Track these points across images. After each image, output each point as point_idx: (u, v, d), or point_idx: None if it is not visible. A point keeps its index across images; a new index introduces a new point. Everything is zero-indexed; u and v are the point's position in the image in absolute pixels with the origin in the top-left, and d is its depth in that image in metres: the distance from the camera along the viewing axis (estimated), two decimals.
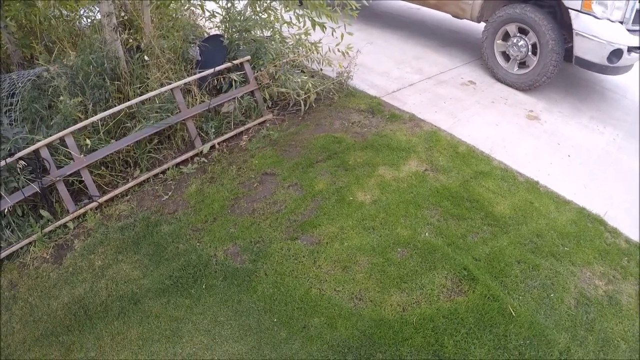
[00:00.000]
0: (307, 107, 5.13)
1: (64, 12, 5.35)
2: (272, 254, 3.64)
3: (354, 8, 5.25)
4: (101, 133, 4.40)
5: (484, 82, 5.87)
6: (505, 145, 4.71)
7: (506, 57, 5.86)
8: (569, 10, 5.11)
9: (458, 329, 3.12)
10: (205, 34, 5.74)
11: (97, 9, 5.07)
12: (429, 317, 3.18)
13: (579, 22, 5.09)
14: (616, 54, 5.01)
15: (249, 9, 5.48)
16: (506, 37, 5.77)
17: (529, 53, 5.56)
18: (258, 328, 3.20)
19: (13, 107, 4.34)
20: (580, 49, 5.16)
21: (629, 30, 5.06)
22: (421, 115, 5.05)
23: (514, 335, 3.09)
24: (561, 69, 5.63)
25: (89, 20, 5.40)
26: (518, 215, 3.91)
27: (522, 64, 5.73)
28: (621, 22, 5.00)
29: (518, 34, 5.62)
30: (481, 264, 3.50)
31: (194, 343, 3.18)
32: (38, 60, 4.75)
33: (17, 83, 4.43)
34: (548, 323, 3.17)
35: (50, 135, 4.09)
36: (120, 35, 4.69)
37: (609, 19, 4.97)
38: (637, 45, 5.13)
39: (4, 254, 3.87)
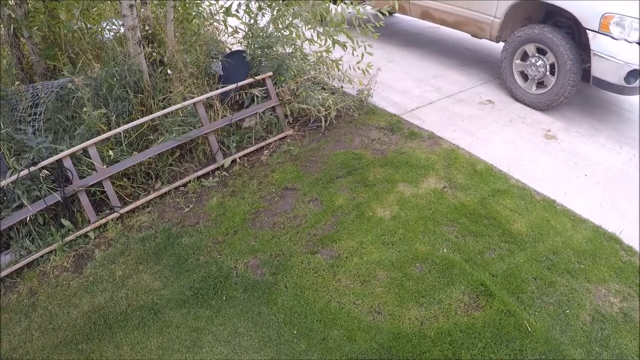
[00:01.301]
0: (327, 124, 5.19)
1: (88, 25, 5.44)
2: (292, 267, 3.68)
3: (377, 26, 5.30)
4: (124, 145, 4.47)
5: (502, 101, 5.90)
6: (523, 163, 4.73)
7: (524, 76, 5.88)
8: (587, 30, 5.14)
9: (475, 343, 3.13)
10: (228, 50, 5.81)
11: (121, 22, 5.17)
12: (447, 331, 3.20)
13: (596, 42, 5.11)
14: (633, 74, 5.02)
15: (271, 26, 5.56)
16: (524, 57, 5.81)
17: (547, 73, 5.58)
18: (278, 339, 3.23)
19: (37, 117, 4.42)
20: (598, 69, 5.18)
21: None
22: (440, 133, 5.09)
23: (529, 350, 3.10)
24: (579, 89, 5.65)
25: (112, 34, 5.48)
26: (535, 233, 3.93)
27: (540, 84, 5.75)
28: (638, 43, 5.02)
29: (536, 54, 5.65)
30: (498, 279, 3.52)
31: (214, 353, 3.20)
32: (62, 71, 4.83)
33: (41, 93, 4.52)
34: (563, 339, 3.17)
35: (74, 146, 4.17)
36: (143, 49, 4.77)
37: (626, 40, 4.99)
38: None
39: (24, 262, 3.93)
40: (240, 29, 5.81)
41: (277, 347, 3.19)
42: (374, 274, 3.59)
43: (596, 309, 3.39)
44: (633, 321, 3.34)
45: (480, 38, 6.43)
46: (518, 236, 3.89)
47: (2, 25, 4.96)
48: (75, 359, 3.30)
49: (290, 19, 5.55)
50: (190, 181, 4.54)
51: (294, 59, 5.49)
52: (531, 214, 4.12)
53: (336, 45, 5.37)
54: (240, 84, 4.99)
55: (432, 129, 5.19)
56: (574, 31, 5.50)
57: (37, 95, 4.52)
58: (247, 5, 5.54)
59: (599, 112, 5.89)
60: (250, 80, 5.03)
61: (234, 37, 5.98)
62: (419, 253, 3.72)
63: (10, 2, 4.76)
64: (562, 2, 5.26)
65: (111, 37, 5.41)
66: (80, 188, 4.11)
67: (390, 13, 8.35)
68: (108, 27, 5.55)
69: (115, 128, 4.38)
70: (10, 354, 3.40)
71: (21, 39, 5.05)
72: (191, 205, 4.36)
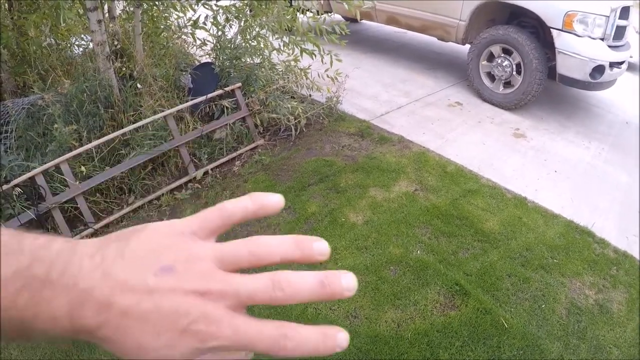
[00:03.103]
0: (297, 132, 5.22)
1: (57, 41, 5.41)
2: None
3: (343, 34, 5.35)
4: (96, 160, 4.44)
5: (471, 102, 5.99)
6: (493, 163, 4.81)
7: (491, 77, 5.98)
8: (551, 29, 5.25)
9: (452, 342, 3.16)
10: (197, 62, 5.82)
11: (89, 38, 5.15)
12: (424, 331, 3.22)
13: (561, 40, 5.22)
14: (598, 70, 5.15)
15: (239, 37, 5.58)
16: (491, 58, 5.91)
17: (514, 73, 5.69)
18: None
19: (8, 134, 4.38)
20: (563, 66, 5.29)
21: (610, 46, 5.20)
22: (410, 137, 5.15)
23: (507, 346, 3.13)
24: (546, 87, 5.76)
25: (81, 49, 5.46)
26: (507, 231, 3.99)
27: (507, 84, 5.85)
28: (602, 39, 5.14)
29: (502, 55, 5.76)
30: (473, 278, 3.56)
31: None
32: (32, 88, 4.79)
33: (12, 111, 4.48)
34: (540, 333, 3.22)
35: (46, 163, 4.13)
36: (113, 64, 4.75)
37: (590, 37, 5.11)
38: (619, 60, 5.27)
39: None
40: (208, 41, 5.83)
41: (255, 356, 3.17)
42: None
43: (572, 302, 3.44)
44: (609, 312, 3.40)
45: (447, 41, 6.52)
46: (491, 235, 3.94)
47: None
48: None
49: (258, 29, 5.58)
50: (163, 194, 4.53)
51: (263, 69, 5.51)
52: (503, 212, 4.18)
53: (304, 54, 5.41)
54: (209, 95, 4.98)
55: (401, 133, 5.24)
56: (538, 30, 5.61)
57: (8, 112, 4.48)
58: (215, 18, 5.56)
59: (567, 109, 6.01)
60: (219, 91, 5.03)
61: (203, 50, 5.99)
62: (392, 256, 3.74)
63: None
64: (526, 2, 5.37)
65: (80, 53, 5.39)
66: (53, 205, 4.08)
67: (355, 20, 8.43)
68: (77, 43, 5.53)
69: (87, 144, 4.34)
70: None
71: None
72: (165, 219, 4.27)
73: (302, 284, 0.51)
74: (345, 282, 0.51)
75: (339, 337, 0.50)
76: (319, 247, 0.53)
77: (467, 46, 6.34)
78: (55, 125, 4.32)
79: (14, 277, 0.47)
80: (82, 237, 4.11)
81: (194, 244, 0.53)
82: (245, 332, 0.48)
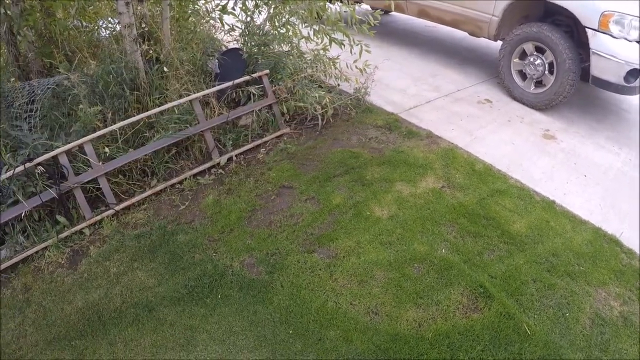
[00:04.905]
0: (324, 122, 5.17)
1: (83, 23, 5.40)
2: (288, 266, 3.64)
3: (372, 25, 5.27)
4: (120, 142, 4.44)
5: (501, 100, 5.87)
6: (522, 163, 4.71)
7: (523, 75, 5.86)
8: (586, 29, 5.11)
9: (473, 345, 3.10)
10: (224, 48, 5.78)
11: (116, 20, 5.13)
12: (445, 333, 3.17)
13: (596, 41, 5.08)
14: (633, 73, 5.00)
15: (267, 24, 5.52)
16: (523, 55, 5.78)
17: (546, 72, 5.56)
18: (273, 339, 3.20)
19: (33, 113, 4.38)
20: (597, 68, 5.15)
21: None
22: (438, 133, 5.07)
23: (528, 353, 3.07)
24: (578, 89, 5.62)
25: (108, 32, 5.44)
26: (534, 234, 3.90)
27: (539, 83, 5.72)
28: (638, 42, 4.99)
29: (535, 53, 5.63)
30: (497, 281, 3.49)
31: (208, 352, 3.17)
32: (58, 68, 4.78)
33: (37, 90, 4.48)
34: (563, 342, 3.14)
35: (69, 143, 4.13)
36: (140, 47, 4.73)
37: (626, 39, 4.96)
38: None
39: (19, 258, 3.89)
40: (236, 26, 5.77)
41: (273, 347, 3.15)
42: (372, 274, 3.55)
43: (596, 313, 3.36)
44: (633, 325, 3.31)
45: (478, 37, 6.40)
46: (517, 237, 3.86)
47: None
48: (69, 355, 3.25)
49: (287, 16, 5.52)
50: (186, 179, 4.51)
51: (291, 57, 5.46)
52: (530, 214, 4.09)
53: (333, 43, 5.33)
54: (236, 81, 4.95)
55: (430, 127, 5.16)
56: (572, 30, 5.47)
57: (33, 92, 4.48)
58: (244, 3, 5.50)
59: (598, 112, 5.87)
60: (247, 77, 5.00)
61: (231, 35, 5.94)
62: (417, 253, 3.69)
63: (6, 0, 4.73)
64: (562, 0, 5.23)
65: (107, 36, 5.37)
66: (75, 184, 4.08)
67: (387, 12, 8.33)
68: (104, 26, 5.51)
69: (111, 125, 4.34)
70: (3, 349, 3.36)
71: (17, 36, 5.00)
72: (187, 203, 4.32)
73: None
74: None
75: None
76: None
77: (499, 43, 6.22)
78: (80, 106, 4.32)
79: None
80: (103, 218, 4.10)
81: None
82: None
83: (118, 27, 5.09)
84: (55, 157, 4.03)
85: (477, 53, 7.24)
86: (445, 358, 3.04)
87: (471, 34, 6.47)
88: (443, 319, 3.25)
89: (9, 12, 4.71)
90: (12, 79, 4.87)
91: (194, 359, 3.14)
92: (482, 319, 3.24)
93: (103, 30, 5.52)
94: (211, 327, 3.31)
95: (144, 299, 3.54)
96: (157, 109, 4.51)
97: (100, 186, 4.21)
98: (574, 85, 5.36)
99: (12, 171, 3.89)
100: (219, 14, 5.73)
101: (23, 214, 3.95)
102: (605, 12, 4.94)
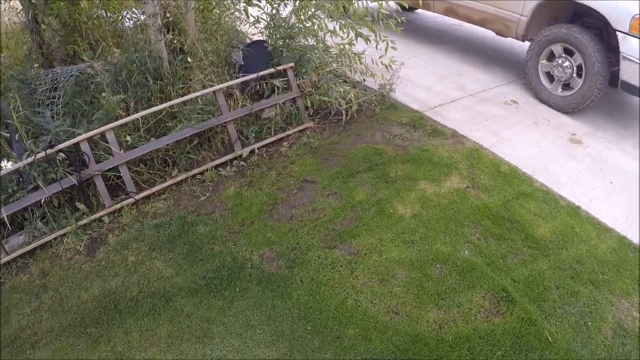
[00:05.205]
0: (348, 117, 5.12)
1: (108, 13, 5.41)
2: (308, 262, 3.61)
3: (398, 22, 5.21)
4: (142, 131, 4.42)
5: (527, 102, 5.78)
6: (548, 167, 4.63)
7: (550, 77, 5.76)
8: (617, 32, 5.01)
9: (494, 351, 3.05)
10: (248, 40, 5.75)
11: (140, 10, 5.13)
12: (465, 336, 3.12)
13: (626, 45, 4.97)
14: None
15: (293, 17, 5.48)
16: (551, 57, 5.68)
17: (574, 75, 5.46)
18: (291, 335, 3.17)
19: (56, 100, 4.39)
20: (627, 72, 5.04)
21: None
22: (463, 132, 5.01)
23: None
24: (605, 93, 5.51)
25: (131, 22, 5.44)
26: (559, 240, 3.84)
27: (566, 86, 5.63)
28: None
29: (563, 55, 5.53)
30: (520, 286, 3.43)
31: (224, 345, 3.14)
32: (81, 57, 4.80)
33: (60, 78, 4.49)
34: (584, 352, 3.08)
35: (91, 130, 4.13)
36: (164, 36, 4.71)
37: None
38: None
39: (37, 243, 3.90)
40: (261, 18, 5.74)
41: (290, 343, 3.12)
42: (393, 272, 3.51)
43: (618, 323, 3.29)
44: None
45: (506, 36, 6.31)
46: (541, 242, 3.80)
47: (23, 11, 4.95)
48: (83, 342, 3.25)
49: (313, 10, 5.47)
50: (207, 170, 4.49)
51: (316, 51, 5.42)
52: (555, 219, 4.02)
53: (359, 38, 5.28)
54: (261, 73, 4.92)
55: (455, 127, 5.10)
56: (602, 33, 5.36)
57: (56, 79, 4.50)
58: None
59: (626, 119, 5.75)
60: (271, 70, 4.97)
61: (255, 27, 5.90)
62: (439, 254, 3.64)
63: None
64: (592, 2, 5.12)
65: (131, 26, 5.36)
66: (96, 172, 4.07)
67: (413, 9, 8.25)
68: (128, 16, 5.50)
69: (134, 114, 4.34)
70: (18, 334, 3.36)
71: (41, 25, 5.02)
72: (207, 194, 4.29)
73: None
74: None
75: None
76: None
77: (524, 44, 6.13)
78: (103, 94, 4.31)
79: None
80: (122, 207, 4.09)
81: None
82: None
83: (142, 17, 5.07)
84: (76, 144, 4.02)
85: (503, 53, 7.15)
86: None
87: (498, 33, 6.38)
88: (464, 321, 3.21)
89: (33, 0, 4.72)
90: (36, 65, 4.89)
91: (210, 352, 3.11)
92: (503, 323, 3.19)
93: (127, 20, 5.51)
94: (228, 320, 3.29)
95: (161, 289, 3.53)
96: (180, 99, 4.49)
97: (121, 174, 4.20)
98: (602, 89, 5.26)
99: (33, 157, 3.89)
100: (244, 6, 5.70)
101: (43, 200, 3.94)
102: (637, 16, 4.83)
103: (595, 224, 4.05)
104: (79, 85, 4.57)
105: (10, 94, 4.41)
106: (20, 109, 4.24)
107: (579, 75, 5.40)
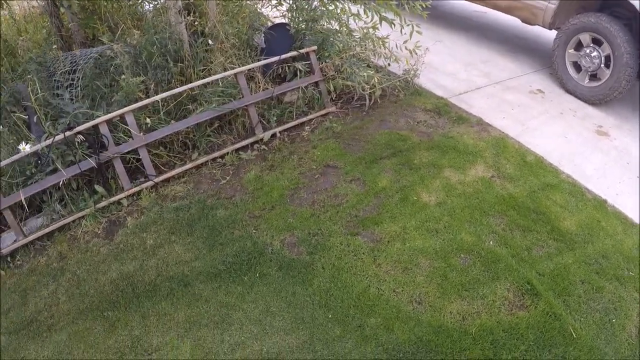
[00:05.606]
0: (371, 102, 5.04)
1: None
2: (330, 248, 3.56)
3: (423, 7, 5.11)
4: (161, 113, 4.39)
5: (553, 92, 5.66)
6: (574, 158, 4.54)
7: (577, 67, 5.63)
8: None
9: (517, 345, 2.99)
10: (270, 23, 5.68)
11: None
12: (489, 329, 3.07)
13: None
14: None
15: (316, 0, 5.40)
16: (579, 46, 5.55)
17: (602, 65, 5.33)
18: (311, 322, 3.13)
19: (74, 82, 4.38)
20: None
21: None
22: (488, 120, 4.92)
23: (572, 358, 2.95)
24: (633, 85, 5.39)
25: (151, 5, 5.40)
26: (584, 233, 3.76)
27: (594, 77, 5.50)
28: None
29: (591, 45, 5.40)
30: (545, 279, 3.37)
31: (243, 332, 3.11)
32: (101, 39, 4.77)
33: (80, 60, 4.47)
34: (608, 350, 3.02)
35: (110, 112, 4.10)
36: (184, 18, 4.67)
37: None
38: None
39: (55, 226, 3.89)
40: (284, 1, 5.65)
41: (310, 331, 3.08)
42: (416, 261, 3.45)
43: None
44: None
45: (532, 24, 6.17)
46: (567, 235, 3.72)
47: None
48: (100, 326, 3.24)
49: None
50: (228, 153, 4.44)
51: (339, 35, 5.33)
52: (581, 212, 3.94)
53: (383, 22, 5.18)
54: (283, 56, 4.86)
55: (480, 114, 5.01)
56: (632, 22, 5.23)
57: (75, 61, 4.48)
58: None
59: None
60: (294, 53, 4.90)
61: (278, 10, 5.82)
62: (464, 243, 3.58)
63: None
64: None
65: (150, 9, 5.32)
66: (115, 155, 4.04)
67: None
68: (147, 0, 5.46)
69: (154, 96, 4.29)
70: (35, 316, 3.37)
71: (60, 8, 5.03)
72: (228, 178, 4.25)
73: None
74: None
75: None
76: None
77: (550, 33, 6.00)
78: (123, 76, 4.28)
79: None
80: (141, 189, 4.07)
81: None
82: None
83: (162, 0, 5.02)
84: (95, 127, 4.00)
85: (528, 42, 7.01)
86: (487, 356, 2.94)
87: (524, 21, 6.25)
88: (488, 314, 3.15)
89: None
90: (54, 47, 4.87)
91: (229, 338, 3.09)
92: (527, 317, 3.14)
93: (147, 3, 5.47)
94: (247, 305, 3.26)
95: (180, 273, 3.51)
96: (201, 81, 4.44)
97: (140, 157, 4.18)
98: (630, 81, 5.13)
99: (51, 139, 3.87)
100: None
101: (61, 183, 3.93)
102: None
103: (622, 218, 3.96)
104: (98, 67, 4.55)
105: (29, 76, 4.39)
106: (39, 91, 4.22)
107: (607, 66, 5.28)
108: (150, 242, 3.75)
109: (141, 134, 4.13)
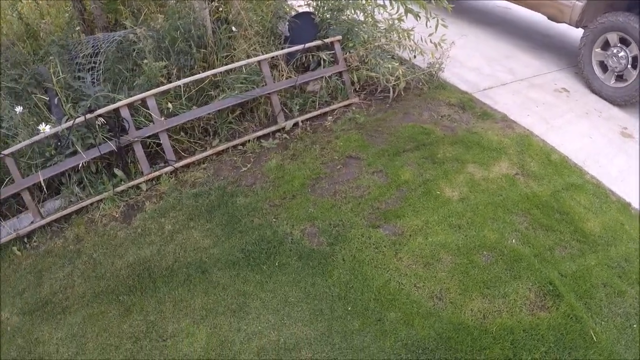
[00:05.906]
0: (395, 95, 4.98)
1: None
2: (351, 240, 3.53)
3: (449, 0, 5.05)
4: (183, 99, 4.37)
5: (578, 91, 5.59)
6: (599, 159, 4.48)
7: (604, 67, 5.54)
8: None
9: (537, 346, 2.96)
10: (294, 11, 5.64)
11: None
12: (509, 328, 3.03)
13: None
14: None
15: None
16: (606, 46, 5.46)
17: (629, 66, 5.24)
18: (330, 314, 3.10)
19: (96, 66, 4.36)
20: None
21: None
22: (513, 117, 4.87)
23: None
24: None
25: None
26: (608, 236, 3.70)
27: (620, 77, 5.41)
28: None
29: (619, 44, 5.31)
30: (567, 280, 3.32)
31: (260, 321, 3.10)
32: (124, 24, 4.77)
33: (102, 43, 4.45)
34: (627, 355, 2.98)
35: (132, 96, 4.08)
36: (208, 4, 4.64)
37: None
38: None
39: (73, 208, 3.90)
40: None
41: (329, 323, 3.06)
42: (438, 256, 3.42)
43: None
44: None
45: (559, 22, 6.08)
46: (590, 236, 3.67)
47: None
48: (115, 310, 3.25)
49: None
50: (249, 140, 4.42)
51: (364, 25, 5.27)
52: (605, 214, 3.89)
53: (408, 14, 5.12)
54: (308, 45, 4.82)
55: (505, 111, 4.96)
56: None
57: (98, 45, 4.46)
58: None
59: None
60: (318, 42, 4.86)
61: None
62: (486, 240, 3.53)
63: None
64: None
65: None
66: (136, 139, 4.03)
67: None
68: None
69: (176, 81, 4.27)
70: (50, 298, 3.38)
71: None
72: (249, 165, 4.23)
73: None
74: None
75: None
76: None
77: (576, 31, 5.90)
78: (145, 60, 4.26)
79: None
80: (161, 174, 4.06)
81: None
82: None
83: None
84: (116, 110, 3.99)
85: (553, 39, 6.92)
86: (507, 355, 2.91)
87: (551, 18, 6.16)
88: (509, 313, 3.11)
89: None
90: (77, 29, 4.85)
91: (245, 327, 3.07)
92: (548, 318, 3.10)
93: None
94: (265, 295, 3.24)
95: (198, 260, 3.49)
96: (224, 68, 4.42)
97: (161, 142, 4.17)
98: None
99: (72, 121, 3.86)
100: None
101: (80, 165, 3.92)
102: None
103: None
104: (120, 51, 4.54)
105: (51, 58, 4.38)
106: (60, 74, 4.21)
107: (634, 66, 5.19)
108: (168, 227, 3.74)
109: (162, 118, 4.11)
